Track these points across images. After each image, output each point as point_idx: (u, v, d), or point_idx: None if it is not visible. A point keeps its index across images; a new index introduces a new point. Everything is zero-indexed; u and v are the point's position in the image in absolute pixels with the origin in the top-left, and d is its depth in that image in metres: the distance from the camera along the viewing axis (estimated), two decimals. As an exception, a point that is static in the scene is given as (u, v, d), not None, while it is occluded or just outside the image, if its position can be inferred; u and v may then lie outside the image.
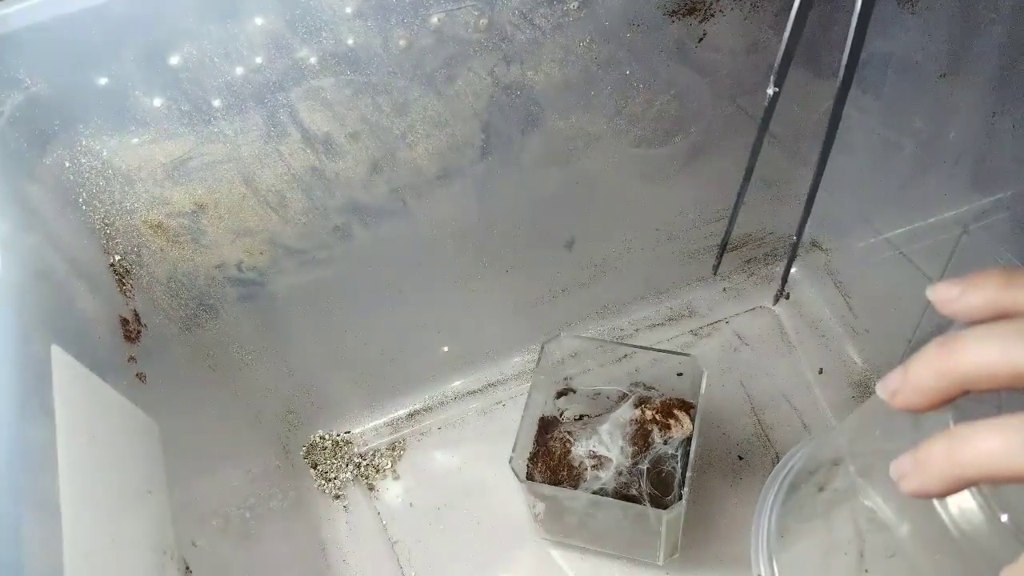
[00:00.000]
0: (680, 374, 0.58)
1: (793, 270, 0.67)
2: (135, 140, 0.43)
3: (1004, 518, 0.29)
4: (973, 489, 0.30)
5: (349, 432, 0.68)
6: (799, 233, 0.52)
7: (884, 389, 0.27)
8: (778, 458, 0.62)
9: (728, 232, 0.53)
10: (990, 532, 0.29)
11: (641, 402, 0.57)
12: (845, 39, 0.41)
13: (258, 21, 0.41)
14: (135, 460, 0.39)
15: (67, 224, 0.42)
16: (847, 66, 0.42)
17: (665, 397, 0.58)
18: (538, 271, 0.64)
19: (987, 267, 0.27)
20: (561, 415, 0.61)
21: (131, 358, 0.43)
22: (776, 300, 0.63)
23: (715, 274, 0.60)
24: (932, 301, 0.27)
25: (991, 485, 0.29)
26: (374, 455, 0.67)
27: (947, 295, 0.27)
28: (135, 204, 0.45)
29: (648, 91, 0.53)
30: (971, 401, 0.25)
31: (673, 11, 0.49)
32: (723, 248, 0.55)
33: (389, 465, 0.66)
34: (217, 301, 0.53)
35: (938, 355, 0.25)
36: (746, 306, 0.71)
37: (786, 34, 0.42)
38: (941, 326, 0.27)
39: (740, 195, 0.50)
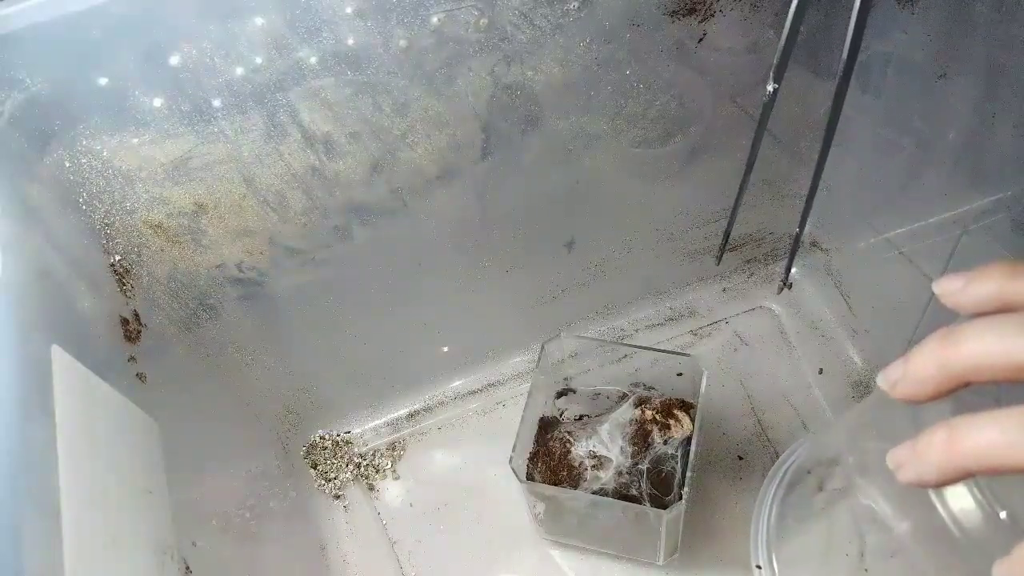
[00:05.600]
0: (680, 374, 0.58)
1: (793, 270, 0.67)
2: (135, 140, 0.43)
3: (1003, 515, 0.29)
4: (972, 486, 0.30)
5: (349, 432, 0.68)
6: (801, 224, 0.52)
7: (884, 379, 0.27)
8: (778, 458, 0.62)
9: (732, 219, 0.53)
10: (989, 529, 0.29)
11: (641, 402, 0.57)
12: (844, 39, 0.41)
13: (258, 21, 0.41)
14: (135, 460, 0.39)
15: (67, 224, 0.42)
16: (846, 66, 0.42)
17: (665, 397, 0.58)
18: (538, 271, 0.64)
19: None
20: (561, 415, 0.61)
21: (131, 358, 0.43)
22: (780, 290, 0.64)
23: (718, 264, 0.60)
24: (936, 294, 0.27)
25: (989, 481, 0.29)
26: (374, 455, 0.67)
27: (950, 287, 0.27)
28: (135, 204, 0.45)
29: (648, 91, 0.53)
30: (970, 394, 0.25)
31: (673, 11, 0.49)
32: (726, 237, 0.56)
33: (389, 465, 0.66)
34: (217, 301, 0.53)
35: (939, 346, 0.25)
36: (746, 306, 0.71)
37: (785, 30, 0.42)
38: (942, 326, 0.27)
39: (742, 187, 0.50)
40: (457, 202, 0.55)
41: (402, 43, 0.44)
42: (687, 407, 0.57)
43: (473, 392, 0.69)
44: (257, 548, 0.52)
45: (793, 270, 0.68)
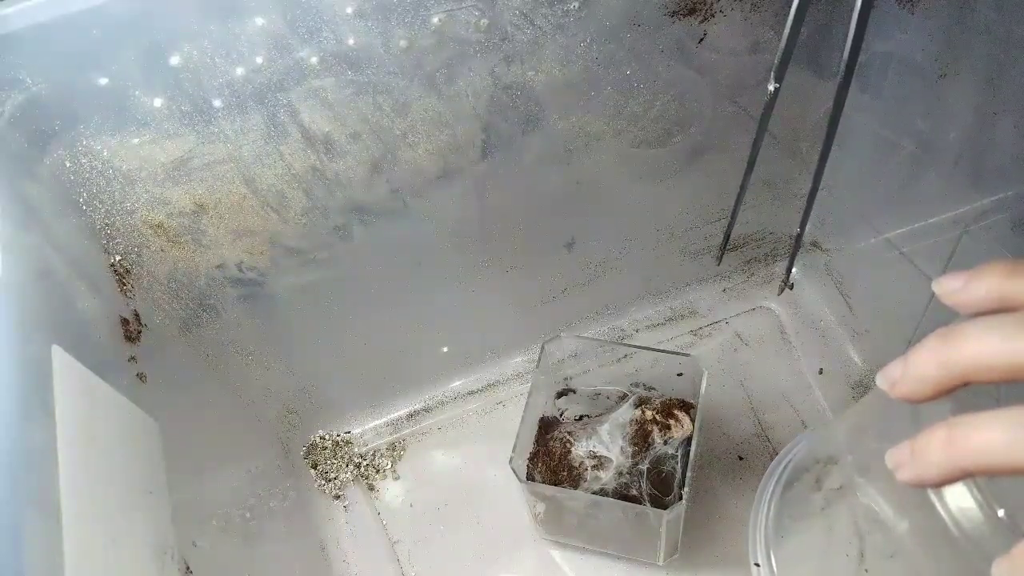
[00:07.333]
0: (680, 374, 0.58)
1: (794, 270, 0.67)
2: (135, 140, 0.43)
3: (1001, 514, 0.29)
4: (972, 487, 0.30)
5: (349, 432, 0.68)
6: (802, 225, 0.52)
7: (884, 379, 0.27)
8: (778, 458, 0.62)
9: (732, 220, 0.53)
10: (989, 529, 0.29)
11: (641, 402, 0.57)
12: (845, 39, 0.41)
13: (258, 21, 0.41)
14: (135, 460, 0.39)
15: (67, 224, 0.42)
16: (847, 66, 0.42)
17: (665, 397, 0.58)
18: (538, 271, 0.64)
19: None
20: (561, 415, 0.61)
21: (131, 358, 0.43)
22: (781, 291, 0.64)
23: (718, 265, 0.60)
24: (936, 293, 0.27)
25: (988, 480, 0.29)
26: (374, 455, 0.67)
27: (950, 286, 0.27)
28: (135, 204, 0.45)
29: (648, 91, 0.53)
30: (970, 394, 0.25)
31: (673, 11, 0.49)
32: (727, 238, 0.56)
33: (389, 465, 0.66)
34: (217, 301, 0.53)
35: (939, 345, 0.25)
36: (746, 306, 0.71)
37: (786, 30, 0.42)
38: (942, 326, 0.27)
39: (743, 187, 0.50)
40: (457, 202, 0.55)
41: (402, 43, 0.44)
42: (687, 407, 0.57)
43: (473, 392, 0.69)
44: (257, 548, 0.52)
45: (793, 270, 0.68)
